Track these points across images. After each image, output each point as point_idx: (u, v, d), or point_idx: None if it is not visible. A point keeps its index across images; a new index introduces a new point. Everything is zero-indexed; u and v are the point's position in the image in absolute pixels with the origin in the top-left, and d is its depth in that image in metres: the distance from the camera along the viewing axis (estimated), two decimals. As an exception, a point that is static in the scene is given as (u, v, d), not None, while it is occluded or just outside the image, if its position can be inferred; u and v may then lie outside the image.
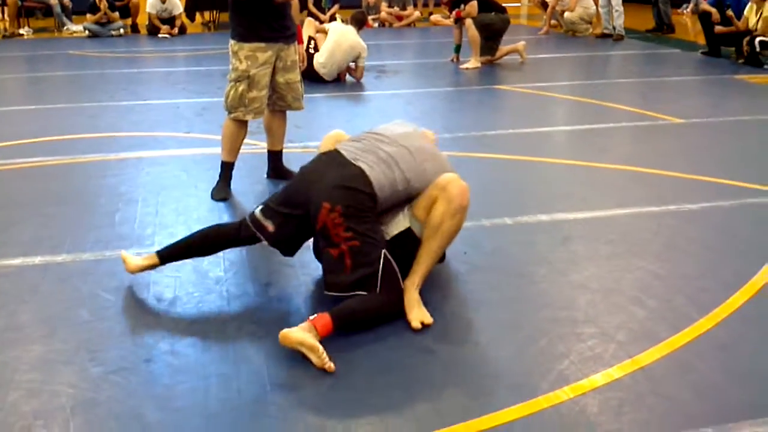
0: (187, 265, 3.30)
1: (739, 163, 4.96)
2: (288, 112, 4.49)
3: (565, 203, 4.18)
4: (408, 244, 3.00)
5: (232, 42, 4.17)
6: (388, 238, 3.01)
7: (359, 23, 7.92)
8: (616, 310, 2.99)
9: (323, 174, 2.94)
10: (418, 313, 2.86)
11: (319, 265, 3.16)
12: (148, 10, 11.49)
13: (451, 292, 3.22)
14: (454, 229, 2.95)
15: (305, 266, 3.33)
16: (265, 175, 4.62)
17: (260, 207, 3.09)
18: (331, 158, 3.02)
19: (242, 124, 4.28)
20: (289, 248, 3.14)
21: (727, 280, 3.21)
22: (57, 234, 3.74)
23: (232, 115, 4.23)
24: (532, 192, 4.45)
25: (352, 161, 2.95)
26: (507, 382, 2.50)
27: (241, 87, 4.13)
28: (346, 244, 2.81)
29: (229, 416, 2.33)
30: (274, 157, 4.60)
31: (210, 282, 3.23)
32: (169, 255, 3.16)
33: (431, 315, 2.89)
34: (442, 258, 3.28)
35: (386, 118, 5.03)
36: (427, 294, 3.10)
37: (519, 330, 2.85)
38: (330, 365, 2.55)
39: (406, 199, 3.05)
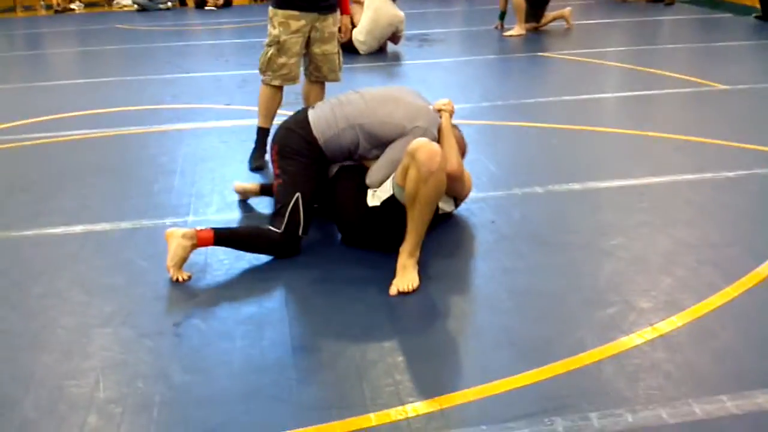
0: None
1: (783, 130, 4.84)
2: (327, 84, 4.52)
3: (601, 172, 4.15)
4: (395, 210, 3.06)
5: (270, 8, 4.26)
6: (378, 202, 3.13)
7: None
8: (641, 278, 2.98)
9: (287, 119, 3.41)
10: (400, 280, 2.92)
11: (352, 235, 3.32)
12: None
13: (477, 260, 3.25)
14: (430, 193, 2.90)
15: (336, 235, 3.39)
16: None
17: None
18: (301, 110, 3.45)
19: (276, 90, 4.34)
20: None
21: (758, 249, 3.16)
22: (97, 204, 3.87)
23: (262, 79, 4.32)
24: (568, 161, 4.42)
25: (310, 107, 3.39)
26: (524, 347, 2.53)
27: (271, 51, 4.21)
28: (276, 181, 3.27)
29: (251, 377, 2.41)
30: None
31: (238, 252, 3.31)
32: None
33: (453, 281, 2.93)
34: (448, 216, 3.53)
35: (425, 88, 5.04)
36: (452, 262, 3.15)
37: (540, 298, 2.86)
38: (177, 276, 3.02)
39: (372, 143, 3.24)
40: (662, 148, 4.57)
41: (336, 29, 4.36)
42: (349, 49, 7.75)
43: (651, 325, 2.64)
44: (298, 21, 4.16)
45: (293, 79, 4.31)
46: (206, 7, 11.54)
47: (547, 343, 2.55)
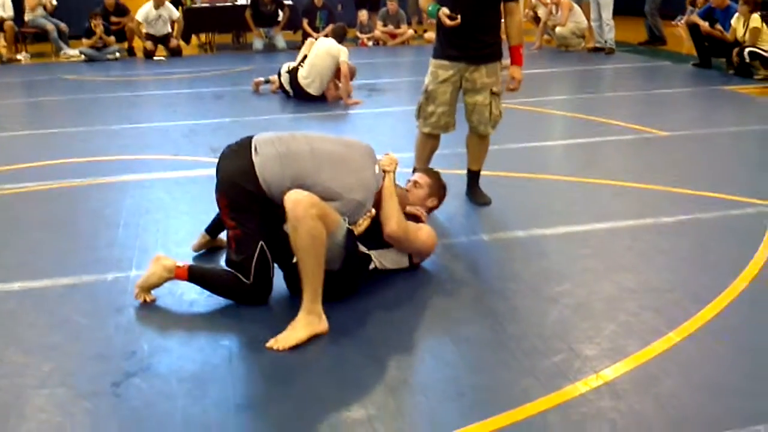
0: (164, 288, 3.32)
1: (722, 175, 4.98)
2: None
3: (545, 219, 4.20)
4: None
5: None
6: None
7: (339, 37, 7.97)
8: (586, 325, 3.00)
9: (228, 162, 3.23)
10: (283, 335, 2.90)
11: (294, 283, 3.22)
12: (138, 18, 11.51)
13: (423, 308, 3.24)
14: (301, 242, 2.90)
15: (277, 290, 3.34)
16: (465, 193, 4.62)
17: None
18: (242, 146, 3.23)
19: (426, 136, 4.44)
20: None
21: (698, 293, 3.23)
22: (37, 259, 3.78)
23: (417, 124, 4.46)
24: (513, 208, 4.47)
25: (253, 152, 3.16)
26: (469, 399, 2.52)
27: (421, 99, 4.38)
28: (231, 231, 3.18)
29: (193, 438, 2.35)
30: (470, 177, 4.63)
31: (184, 305, 3.26)
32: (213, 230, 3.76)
33: (396, 331, 2.91)
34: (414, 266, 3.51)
35: (373, 137, 5.09)
36: (397, 310, 3.14)
37: (486, 347, 2.87)
38: (143, 297, 3.24)
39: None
40: (604, 194, 4.66)
41: (491, 80, 4.28)
42: (299, 97, 7.82)
43: (596, 372, 2.65)
44: (446, 71, 4.27)
45: (444, 128, 4.39)
46: (155, 57, 11.51)
47: (493, 394, 2.54)
